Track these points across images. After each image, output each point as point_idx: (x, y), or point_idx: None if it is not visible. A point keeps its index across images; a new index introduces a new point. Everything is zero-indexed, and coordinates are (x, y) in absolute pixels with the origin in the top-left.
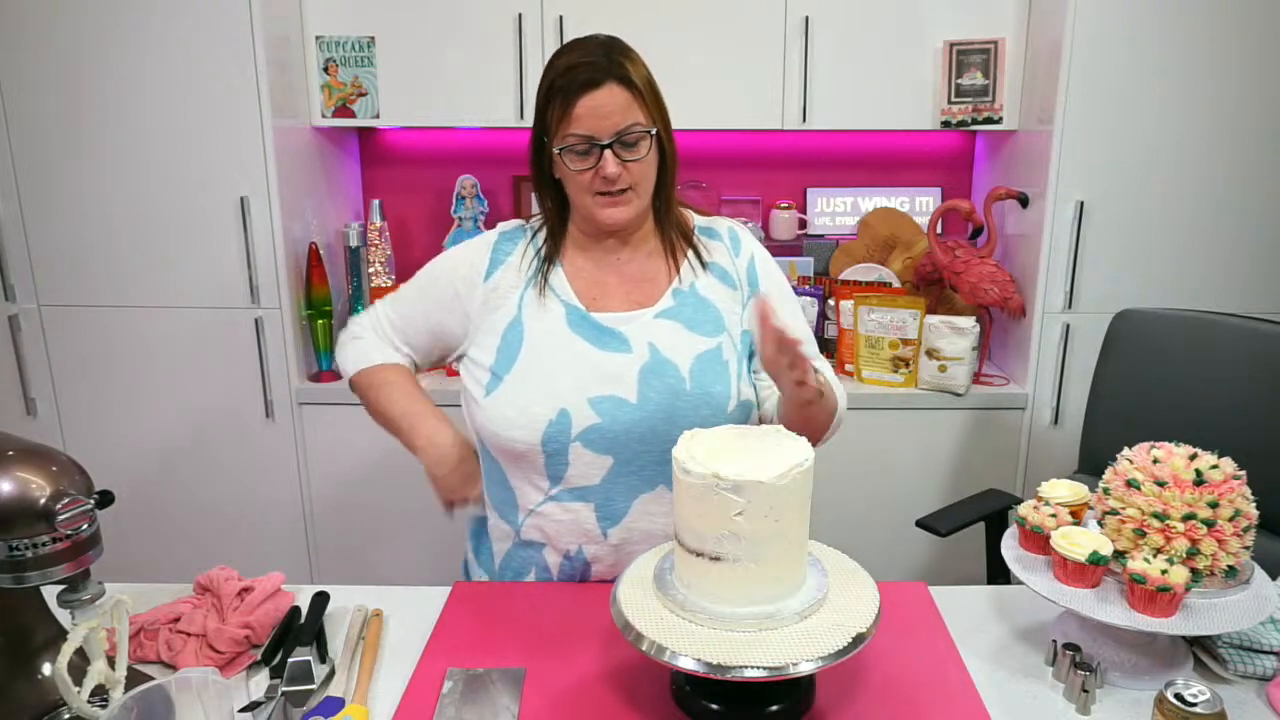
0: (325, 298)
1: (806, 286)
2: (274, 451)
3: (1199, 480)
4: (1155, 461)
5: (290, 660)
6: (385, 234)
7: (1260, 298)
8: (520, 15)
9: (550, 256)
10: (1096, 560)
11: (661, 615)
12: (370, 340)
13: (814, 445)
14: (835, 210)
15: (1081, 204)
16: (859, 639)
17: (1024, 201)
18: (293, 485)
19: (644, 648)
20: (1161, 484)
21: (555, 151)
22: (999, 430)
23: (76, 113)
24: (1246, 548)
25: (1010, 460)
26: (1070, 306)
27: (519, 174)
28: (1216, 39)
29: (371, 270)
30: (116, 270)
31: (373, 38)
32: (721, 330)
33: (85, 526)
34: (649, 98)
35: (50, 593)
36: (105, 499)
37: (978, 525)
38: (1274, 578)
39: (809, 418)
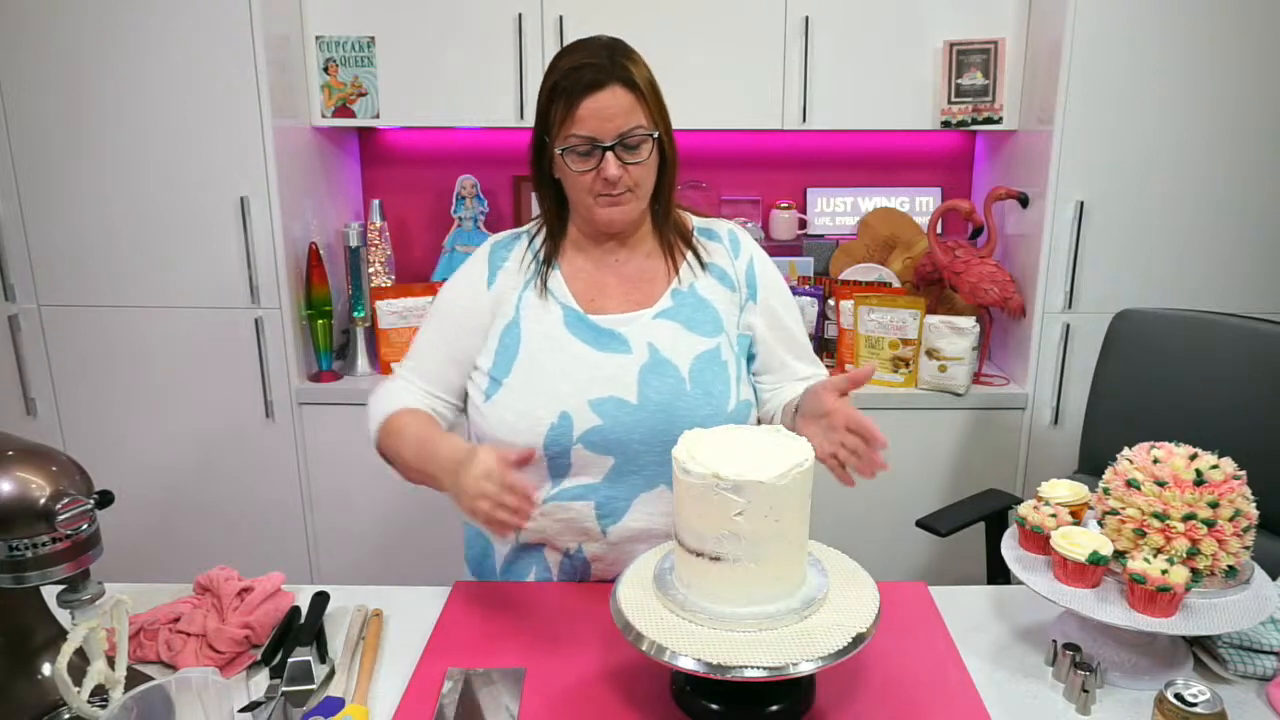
0: (325, 298)
1: (806, 286)
2: (274, 451)
3: (1199, 480)
4: (1155, 461)
5: (290, 660)
6: (385, 234)
7: (1260, 298)
8: (520, 15)
9: (549, 258)
10: (1096, 560)
11: (661, 615)
12: (382, 404)
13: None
14: (835, 210)
15: (1081, 204)
16: (859, 639)
17: (1024, 201)
18: (293, 485)
19: (644, 648)
20: (1161, 484)
21: (557, 152)
22: (999, 430)
23: (76, 113)
24: (1246, 548)
25: (1010, 460)
26: (1070, 306)
27: (519, 174)
28: (1216, 39)
29: (371, 270)
30: (116, 270)
31: (373, 38)
32: (720, 331)
33: (85, 526)
34: (651, 100)
35: (50, 593)
36: (105, 499)
37: (978, 525)
38: (1274, 578)
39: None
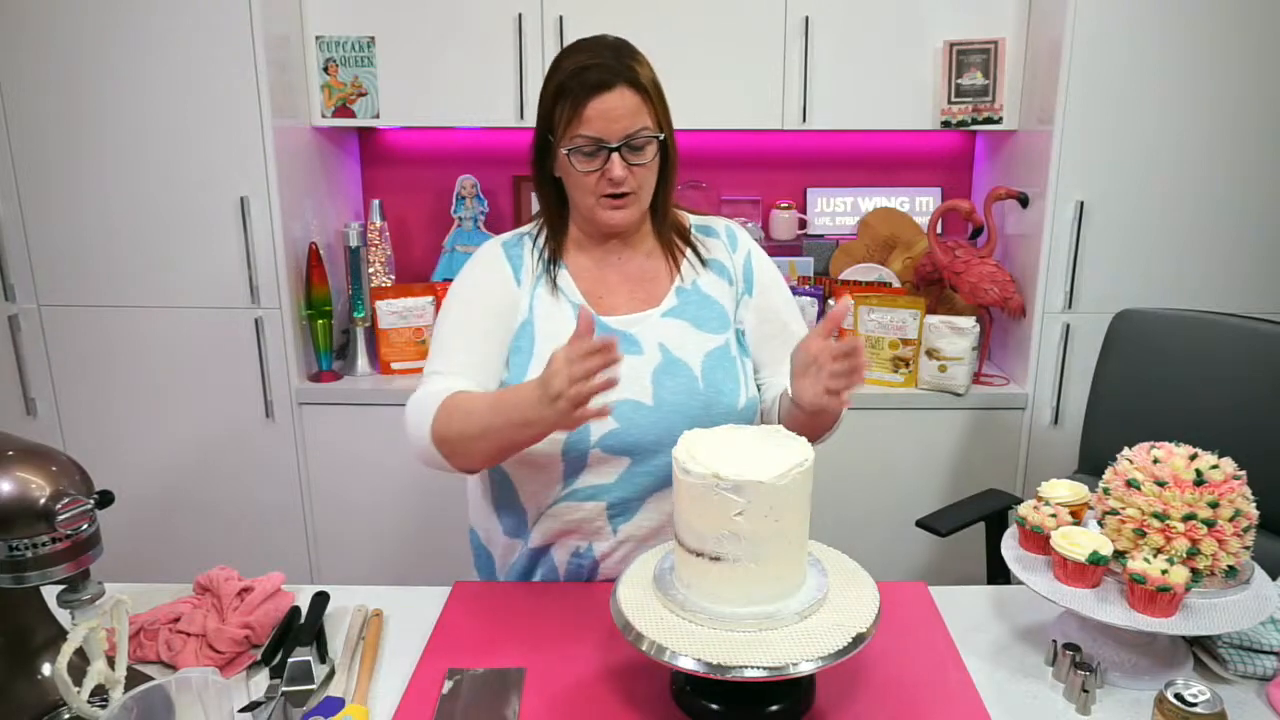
0: (325, 298)
1: (806, 286)
2: (274, 451)
3: (1199, 480)
4: (1155, 461)
5: (290, 660)
6: (385, 234)
7: (1260, 298)
8: (520, 15)
9: (554, 257)
10: (1096, 560)
11: (661, 615)
12: (426, 403)
13: (812, 444)
14: (835, 210)
15: (1081, 204)
16: (859, 639)
17: (1024, 201)
18: (293, 485)
19: (644, 648)
20: (1161, 484)
21: (562, 152)
22: (999, 430)
23: (76, 113)
24: (1247, 548)
25: (1010, 460)
26: (1070, 306)
27: (519, 174)
28: (1216, 39)
29: (371, 270)
30: (116, 270)
31: (373, 38)
32: (727, 327)
33: (85, 526)
34: (657, 102)
35: (50, 593)
36: (105, 499)
37: (978, 525)
38: (1274, 578)
39: (815, 423)
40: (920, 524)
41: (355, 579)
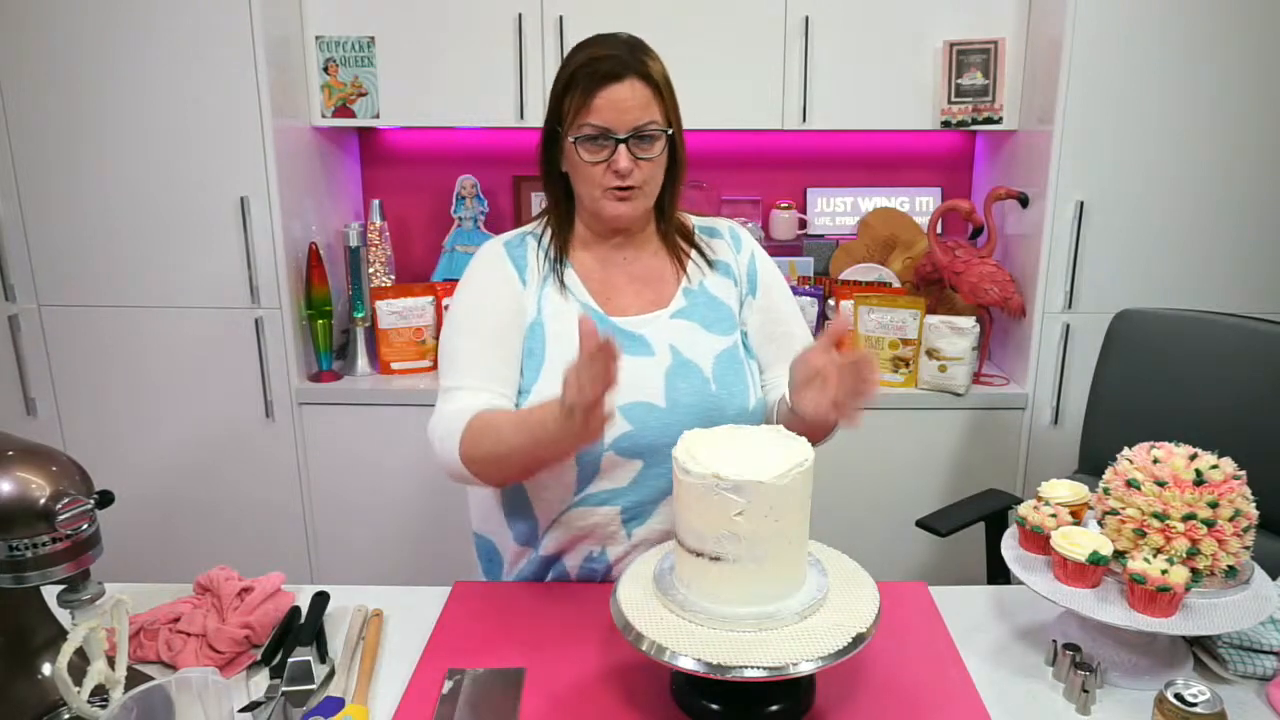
0: (325, 298)
1: (806, 286)
2: (274, 451)
3: (1199, 480)
4: (1155, 461)
5: (290, 660)
6: (385, 234)
7: (1260, 298)
8: (520, 15)
9: (560, 255)
10: (1096, 560)
11: (661, 615)
12: (451, 423)
13: (812, 445)
14: (835, 210)
15: (1081, 204)
16: (859, 639)
17: (1024, 201)
18: (293, 485)
19: (644, 648)
20: (1161, 484)
21: (569, 141)
22: (999, 430)
23: (76, 113)
24: (1246, 548)
25: (1010, 460)
26: (1070, 306)
27: (519, 174)
28: (1216, 39)
29: (371, 270)
30: (116, 270)
31: (373, 38)
32: (734, 328)
33: (85, 526)
34: (668, 98)
35: (50, 593)
36: (105, 499)
37: (978, 525)
38: (1274, 578)
39: (814, 430)
40: (920, 524)
41: (355, 579)
